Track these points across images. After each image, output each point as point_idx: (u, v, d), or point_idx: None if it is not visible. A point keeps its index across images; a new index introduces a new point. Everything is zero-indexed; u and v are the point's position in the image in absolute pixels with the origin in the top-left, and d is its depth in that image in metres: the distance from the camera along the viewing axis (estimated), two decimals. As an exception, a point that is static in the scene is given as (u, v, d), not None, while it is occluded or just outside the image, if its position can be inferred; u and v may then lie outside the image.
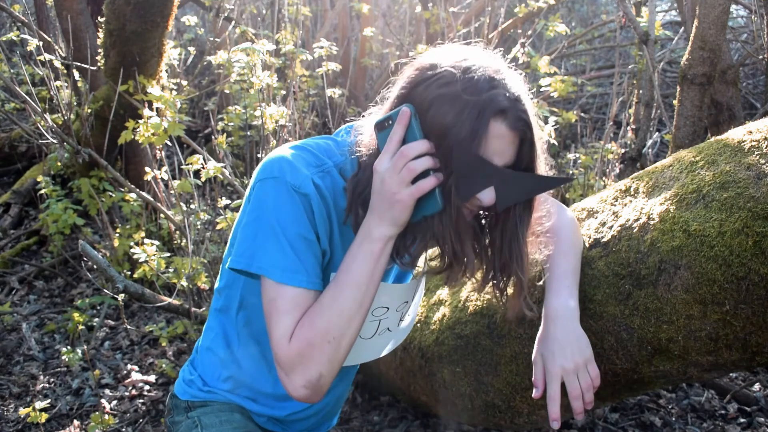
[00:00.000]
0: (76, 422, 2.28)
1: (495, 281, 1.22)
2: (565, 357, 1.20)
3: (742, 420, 2.19)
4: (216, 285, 1.39)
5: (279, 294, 1.11)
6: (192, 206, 3.05)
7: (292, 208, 1.11)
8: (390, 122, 1.09)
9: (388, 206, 1.07)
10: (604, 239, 1.32)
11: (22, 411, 2.12)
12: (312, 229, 1.13)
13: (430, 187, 1.06)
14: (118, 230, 3.02)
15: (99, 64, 3.12)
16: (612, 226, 1.32)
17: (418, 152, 1.06)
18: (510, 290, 1.25)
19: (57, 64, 3.21)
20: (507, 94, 1.07)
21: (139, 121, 2.31)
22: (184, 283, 2.40)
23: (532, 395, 1.24)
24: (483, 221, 1.21)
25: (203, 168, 2.29)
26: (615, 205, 1.36)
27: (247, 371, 1.36)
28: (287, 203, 1.11)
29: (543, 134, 1.20)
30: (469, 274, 1.15)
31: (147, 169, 2.51)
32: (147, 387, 2.50)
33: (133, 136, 2.41)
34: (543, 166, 1.17)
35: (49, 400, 2.37)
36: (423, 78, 1.09)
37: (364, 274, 1.10)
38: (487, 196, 1.09)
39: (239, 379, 1.38)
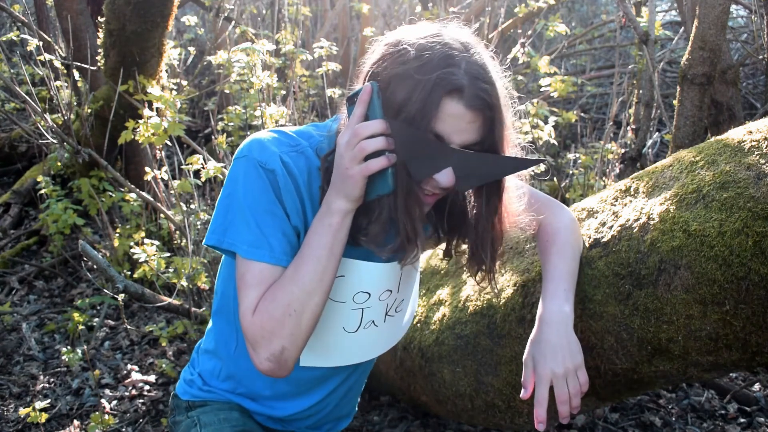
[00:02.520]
0: (76, 422, 2.28)
1: (469, 261, 1.25)
2: (556, 361, 1.20)
3: (742, 420, 2.19)
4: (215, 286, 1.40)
5: (247, 269, 1.14)
6: (192, 206, 3.05)
7: (258, 184, 1.13)
8: (357, 98, 1.11)
9: (342, 180, 1.09)
10: (604, 239, 1.32)
11: (22, 411, 2.12)
12: (279, 204, 1.14)
13: (379, 167, 1.06)
14: (118, 230, 3.02)
15: (99, 64, 3.12)
16: (612, 226, 1.32)
17: (371, 132, 1.06)
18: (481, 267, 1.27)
19: (57, 64, 3.21)
20: (466, 72, 1.06)
21: (139, 121, 2.31)
22: (184, 283, 2.40)
23: (520, 395, 1.24)
24: (452, 200, 1.23)
25: (203, 168, 2.29)
26: (615, 205, 1.36)
27: (244, 370, 1.37)
28: (254, 179, 1.13)
29: (515, 118, 1.18)
30: (417, 255, 1.15)
31: (147, 169, 2.51)
32: (147, 387, 2.50)
33: (133, 136, 2.41)
34: (512, 149, 1.16)
35: (49, 400, 2.38)
36: (386, 55, 1.11)
37: (323, 246, 1.11)
38: (445, 177, 1.09)
39: (238, 378, 1.39)
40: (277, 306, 1.11)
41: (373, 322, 1.33)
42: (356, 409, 1.60)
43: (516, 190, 1.24)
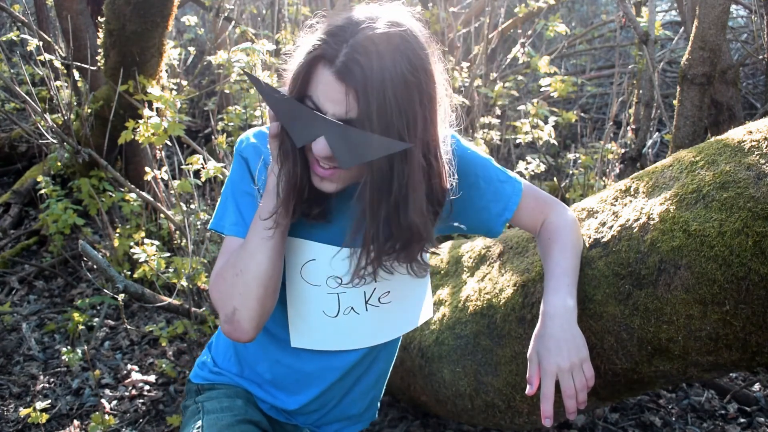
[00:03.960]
0: (76, 422, 2.28)
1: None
2: (561, 355, 1.20)
3: (742, 420, 2.19)
4: None
5: (225, 243, 1.26)
6: (192, 206, 3.05)
7: (238, 170, 1.28)
8: None
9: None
10: (604, 239, 1.32)
11: (23, 411, 2.12)
12: (253, 186, 1.25)
13: (275, 130, 1.13)
14: (118, 230, 3.02)
15: (99, 64, 3.12)
16: (612, 226, 1.32)
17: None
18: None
19: (57, 64, 3.21)
20: (351, 44, 1.04)
21: (139, 121, 2.30)
22: (184, 283, 2.39)
23: (526, 392, 1.24)
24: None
25: (203, 168, 2.28)
26: (615, 205, 1.36)
27: (250, 350, 1.42)
28: (236, 167, 1.28)
29: (447, 114, 1.14)
30: (276, 224, 1.17)
31: (147, 169, 2.50)
32: (147, 387, 2.50)
33: (133, 136, 2.41)
34: (398, 133, 1.05)
35: (49, 400, 2.37)
36: None
37: (262, 209, 1.18)
38: (318, 146, 1.09)
39: (242, 358, 1.43)
40: (229, 268, 1.20)
41: (353, 308, 1.34)
42: (376, 416, 1.58)
43: (415, 194, 1.11)
